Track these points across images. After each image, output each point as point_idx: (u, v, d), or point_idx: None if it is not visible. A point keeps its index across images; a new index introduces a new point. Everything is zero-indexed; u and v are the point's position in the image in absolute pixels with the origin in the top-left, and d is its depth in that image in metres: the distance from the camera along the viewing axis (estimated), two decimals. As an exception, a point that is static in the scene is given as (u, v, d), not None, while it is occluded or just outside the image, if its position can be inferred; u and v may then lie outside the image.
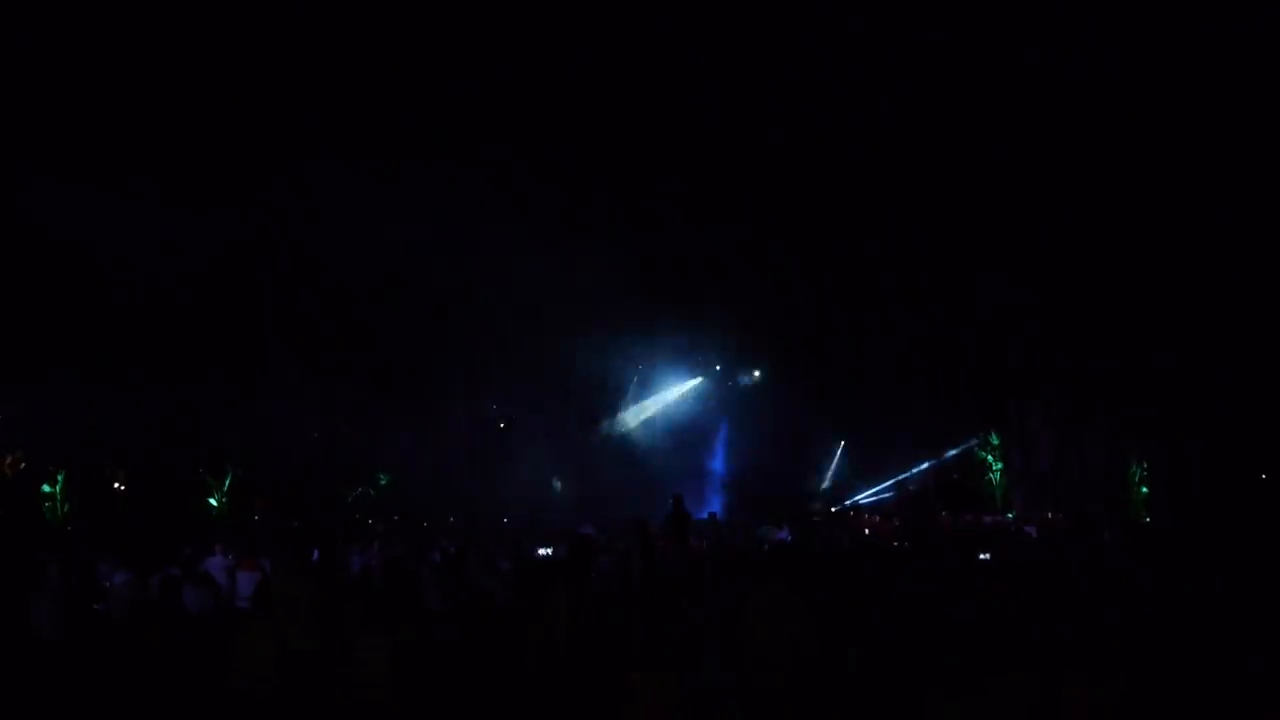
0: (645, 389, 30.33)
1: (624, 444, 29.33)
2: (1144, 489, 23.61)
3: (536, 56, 21.03)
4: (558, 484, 29.56)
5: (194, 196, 21.16)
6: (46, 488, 23.32)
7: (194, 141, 21.22)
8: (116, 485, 24.95)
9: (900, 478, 27.55)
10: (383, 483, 27.75)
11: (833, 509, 26.70)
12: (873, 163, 22.76)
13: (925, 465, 27.13)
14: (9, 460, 23.08)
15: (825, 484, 28.75)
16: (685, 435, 29.16)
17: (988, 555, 12.47)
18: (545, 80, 21.73)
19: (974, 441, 26.30)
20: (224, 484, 25.34)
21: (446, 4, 20.73)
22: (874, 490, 27.75)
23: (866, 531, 20.95)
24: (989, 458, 26.16)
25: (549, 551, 14.72)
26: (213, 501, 25.26)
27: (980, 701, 6.59)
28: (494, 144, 22.53)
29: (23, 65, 19.48)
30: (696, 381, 30.00)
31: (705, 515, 23.91)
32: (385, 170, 21.85)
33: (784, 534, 18.45)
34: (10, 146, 19.68)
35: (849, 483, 28.56)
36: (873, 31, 20.51)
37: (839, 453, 29.06)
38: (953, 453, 26.90)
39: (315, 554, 10.53)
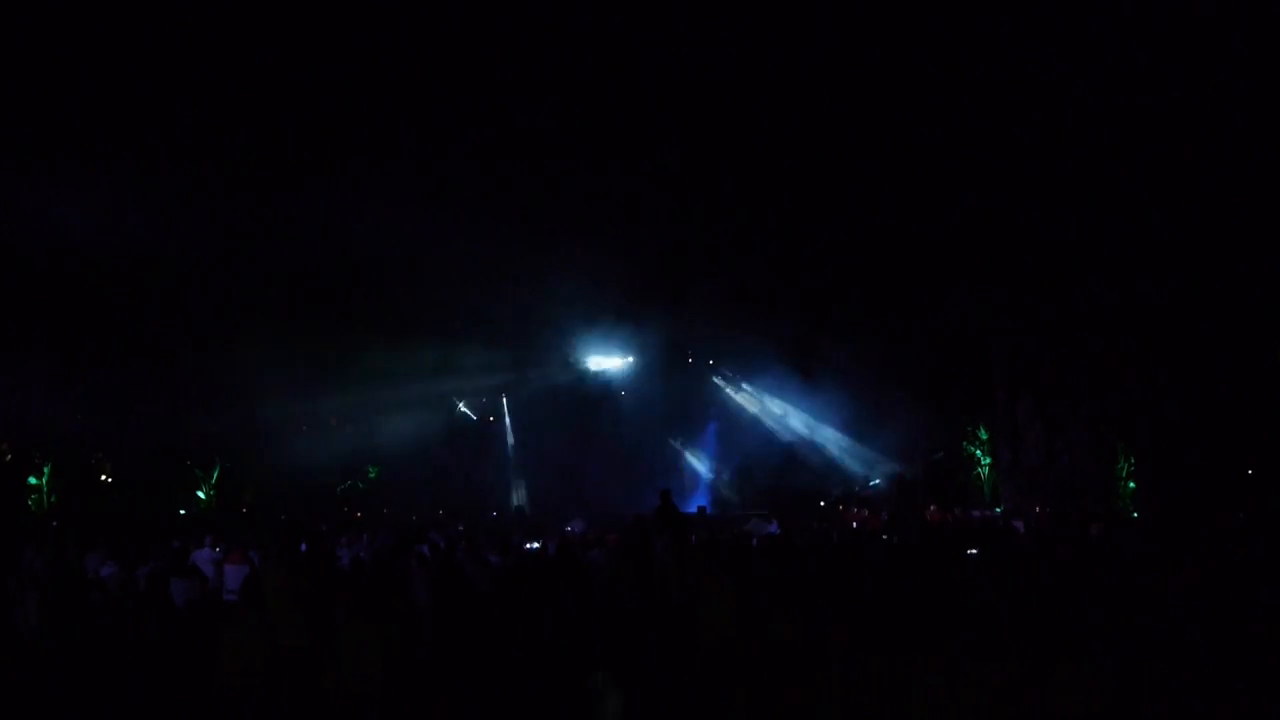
0: (632, 386, 30.44)
1: (611, 440, 29.43)
2: (1131, 484, 23.71)
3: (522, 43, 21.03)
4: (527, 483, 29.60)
5: (185, 188, 21.09)
6: (33, 479, 23.18)
7: (187, 133, 21.12)
8: (104, 477, 24.83)
9: (888, 472, 27.59)
10: (371, 476, 27.70)
11: (821, 502, 26.74)
12: (861, 157, 22.79)
13: (913, 459, 27.12)
14: (-5, 451, 22.98)
15: (815, 477, 28.76)
16: (674, 433, 29.26)
17: (975, 550, 12.51)
18: (530, 70, 21.73)
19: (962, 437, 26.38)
20: (212, 476, 25.24)
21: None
22: (862, 484, 27.78)
23: (855, 525, 21.01)
24: (977, 452, 26.22)
25: (537, 545, 14.72)
26: (201, 494, 25.17)
27: (967, 692, 6.62)
28: (484, 139, 22.53)
29: (15, 55, 19.38)
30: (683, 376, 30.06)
31: (694, 509, 23.96)
32: (373, 166, 21.88)
33: (773, 527, 18.52)
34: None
35: (837, 476, 28.61)
36: (860, 33, 20.54)
37: (828, 446, 29.10)
38: (941, 448, 26.90)
39: (304, 547, 10.49)
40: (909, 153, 22.40)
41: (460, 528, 20.36)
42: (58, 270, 21.77)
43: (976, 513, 22.39)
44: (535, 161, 22.91)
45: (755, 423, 29.32)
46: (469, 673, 8.99)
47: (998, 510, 23.42)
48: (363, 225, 23.05)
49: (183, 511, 24.28)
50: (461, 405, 29.95)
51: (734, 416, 29.61)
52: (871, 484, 27.57)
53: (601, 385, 30.22)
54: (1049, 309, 23.38)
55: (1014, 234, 22.71)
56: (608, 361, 29.81)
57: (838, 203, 23.19)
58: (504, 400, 30.33)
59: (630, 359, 29.62)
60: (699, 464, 29.38)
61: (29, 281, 21.61)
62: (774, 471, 28.65)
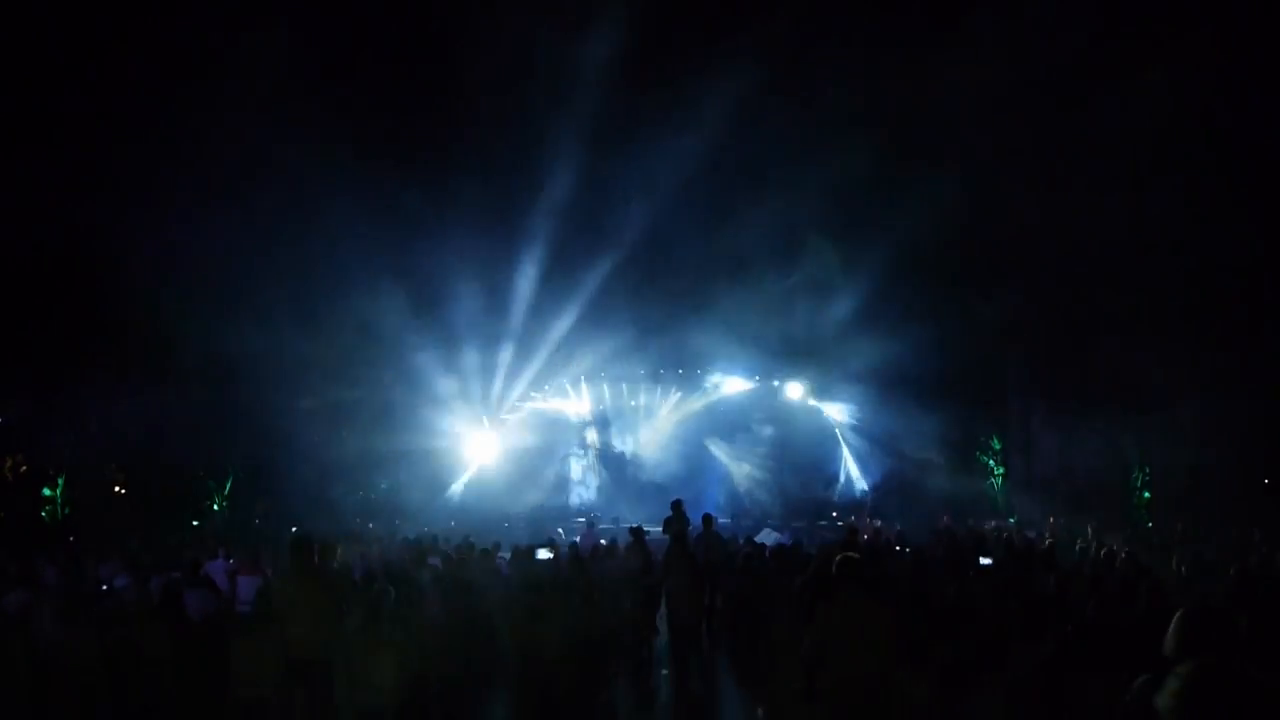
0: (639, 400, 30.49)
1: (623, 452, 29.49)
2: (1145, 494, 23.60)
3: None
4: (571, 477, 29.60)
5: (191, 198, 21.21)
6: (46, 490, 23.25)
7: (193, 140, 21.26)
8: (117, 488, 24.89)
9: (902, 483, 27.45)
10: (383, 487, 27.67)
11: (834, 514, 26.66)
12: (874, 168, 22.82)
13: (928, 469, 26.97)
14: (9, 463, 23.04)
15: (830, 489, 28.65)
16: (685, 447, 29.24)
17: (989, 560, 12.45)
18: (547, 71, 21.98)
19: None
20: (225, 487, 25.28)
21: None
22: (877, 495, 27.63)
23: (865, 537, 20.89)
24: (991, 462, 26.12)
25: (549, 555, 14.68)
26: (214, 506, 25.20)
27: (981, 702, 6.59)
28: (498, 151, 22.71)
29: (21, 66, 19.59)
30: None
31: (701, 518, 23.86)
32: (382, 179, 22.06)
33: (785, 537, 18.49)
34: (9, 151, 19.74)
35: (853, 487, 28.51)
36: (875, 38, 20.61)
37: (843, 457, 29.02)
38: (955, 457, 26.77)
39: (316, 558, 10.50)
40: (925, 162, 22.42)
41: (469, 539, 20.31)
42: (65, 283, 21.91)
43: (990, 523, 22.31)
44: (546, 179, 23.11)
45: (767, 434, 29.29)
46: (481, 684, 8.99)
47: (1011, 520, 23.32)
48: (370, 234, 23.22)
49: (195, 523, 24.31)
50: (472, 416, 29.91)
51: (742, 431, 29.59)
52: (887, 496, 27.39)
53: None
54: (1062, 319, 23.33)
55: (1029, 244, 22.71)
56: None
57: (853, 211, 23.19)
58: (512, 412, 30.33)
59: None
60: (712, 480, 29.29)
61: (41, 294, 21.75)
62: (789, 484, 28.63)
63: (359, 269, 23.93)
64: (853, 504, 27.33)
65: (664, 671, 11.45)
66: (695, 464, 29.02)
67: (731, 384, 29.55)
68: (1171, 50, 18.91)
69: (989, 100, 21.36)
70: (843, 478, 28.68)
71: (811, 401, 29.06)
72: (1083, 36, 20.34)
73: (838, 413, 28.83)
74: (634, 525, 15.56)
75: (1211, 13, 19.19)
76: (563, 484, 29.58)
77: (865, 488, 28.00)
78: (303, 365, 24.31)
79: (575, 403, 30.23)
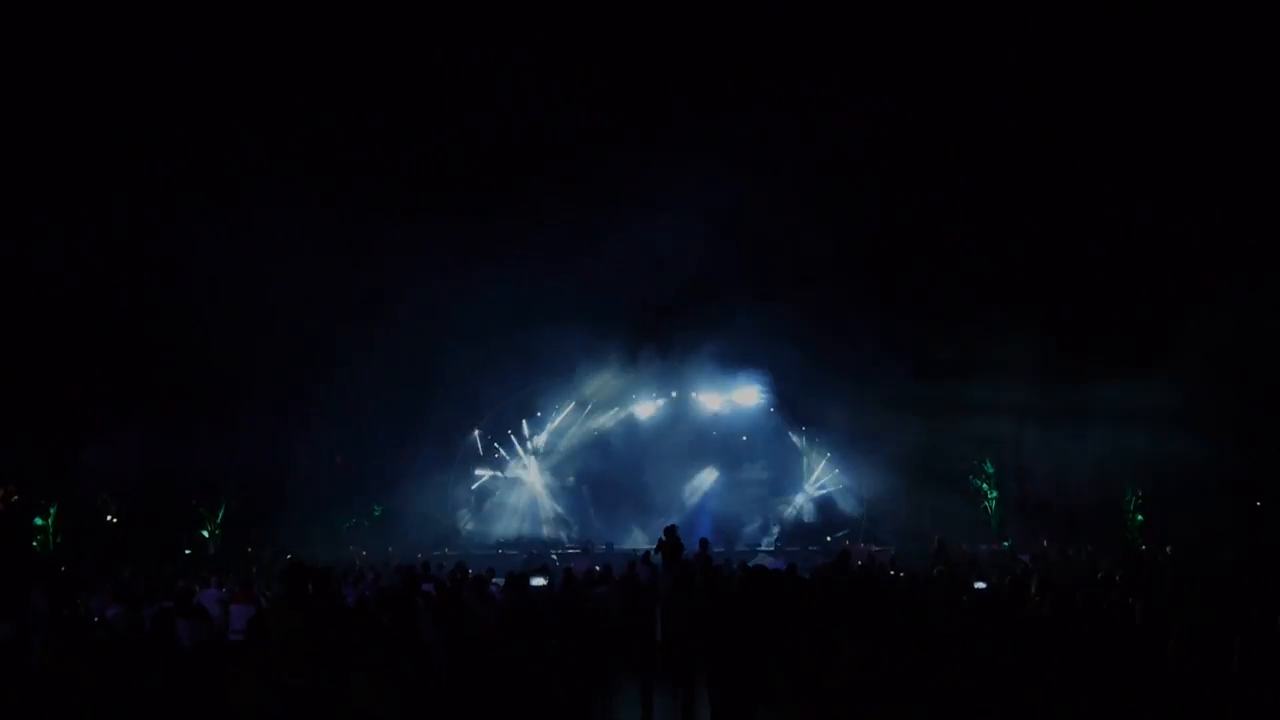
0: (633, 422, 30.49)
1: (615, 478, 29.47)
2: (1139, 517, 23.62)
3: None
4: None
5: (190, 232, 21.29)
6: (38, 520, 23.15)
7: (191, 166, 21.39)
8: (109, 517, 24.78)
9: (895, 507, 27.42)
10: (377, 514, 27.59)
11: (828, 538, 26.61)
12: (875, 188, 23.00)
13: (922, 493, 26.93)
14: (1, 493, 22.95)
15: (824, 514, 28.59)
16: (677, 473, 29.24)
17: (983, 584, 12.44)
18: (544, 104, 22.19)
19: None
20: (217, 516, 25.18)
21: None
22: (871, 520, 27.59)
23: (859, 561, 20.87)
24: (984, 486, 26.11)
25: (543, 581, 14.65)
26: (205, 534, 25.09)
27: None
28: (499, 180, 22.91)
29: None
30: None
31: (696, 544, 23.80)
32: (374, 207, 22.20)
33: (779, 563, 18.44)
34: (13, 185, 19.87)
35: (846, 512, 28.46)
36: (875, 77, 20.89)
37: (834, 480, 28.99)
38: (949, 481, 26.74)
39: (310, 586, 10.46)
40: (921, 179, 22.60)
41: (463, 565, 20.25)
42: (59, 314, 21.93)
43: (984, 547, 22.29)
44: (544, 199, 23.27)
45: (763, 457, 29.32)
46: (476, 710, 8.94)
47: (1005, 545, 23.30)
48: (380, 264, 23.32)
49: (188, 551, 24.20)
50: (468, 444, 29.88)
51: (740, 451, 29.60)
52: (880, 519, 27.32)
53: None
54: (1056, 341, 23.42)
55: (1024, 269, 22.85)
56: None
57: (853, 231, 23.33)
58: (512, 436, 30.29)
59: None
60: (704, 504, 29.26)
61: (34, 324, 21.75)
62: (776, 507, 28.59)
63: (355, 303, 24.07)
64: (846, 528, 27.29)
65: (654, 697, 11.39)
66: (686, 490, 29.01)
67: (724, 406, 29.52)
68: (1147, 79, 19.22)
69: (981, 128, 21.61)
70: (836, 503, 28.61)
71: (804, 427, 29.08)
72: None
73: (830, 438, 28.79)
74: (645, 551, 15.62)
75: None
76: (555, 511, 29.54)
77: (858, 512, 27.94)
78: (298, 394, 24.32)
79: (568, 427, 30.25)
